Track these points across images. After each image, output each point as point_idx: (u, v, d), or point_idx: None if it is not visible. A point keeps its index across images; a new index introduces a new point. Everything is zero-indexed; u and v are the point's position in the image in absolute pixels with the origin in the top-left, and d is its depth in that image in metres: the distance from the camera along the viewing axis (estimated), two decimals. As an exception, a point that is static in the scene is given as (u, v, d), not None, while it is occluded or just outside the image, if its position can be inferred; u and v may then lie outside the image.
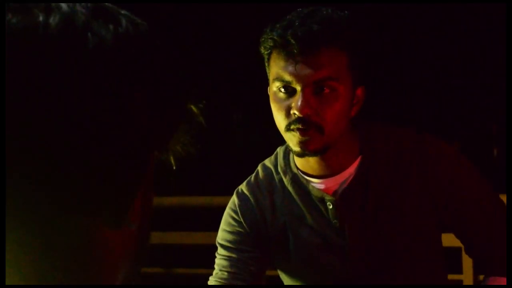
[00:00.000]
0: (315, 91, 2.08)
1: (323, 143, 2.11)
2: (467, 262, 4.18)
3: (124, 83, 0.83)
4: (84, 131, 0.80)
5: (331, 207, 2.22)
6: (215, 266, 2.34)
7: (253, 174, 2.36)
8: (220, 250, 2.34)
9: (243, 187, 2.35)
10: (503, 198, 2.38)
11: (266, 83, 2.18)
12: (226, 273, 2.29)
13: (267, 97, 2.18)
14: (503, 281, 2.33)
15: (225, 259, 2.31)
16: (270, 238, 2.30)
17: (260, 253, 2.31)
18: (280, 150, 2.33)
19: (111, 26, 0.83)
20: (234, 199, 2.35)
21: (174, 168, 0.93)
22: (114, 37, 0.83)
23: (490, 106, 12.45)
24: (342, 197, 2.22)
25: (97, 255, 0.86)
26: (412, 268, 2.28)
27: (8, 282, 0.83)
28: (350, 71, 2.12)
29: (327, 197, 2.22)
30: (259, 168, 2.36)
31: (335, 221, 2.23)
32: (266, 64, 2.16)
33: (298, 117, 2.08)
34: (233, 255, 2.30)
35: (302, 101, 2.07)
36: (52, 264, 0.84)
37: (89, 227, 0.84)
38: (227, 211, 2.36)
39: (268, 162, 2.35)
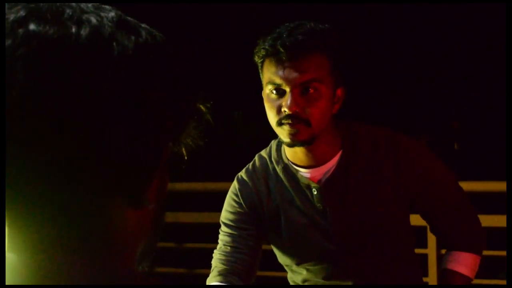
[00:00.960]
0: (301, 91, 2.09)
1: (310, 134, 2.12)
2: (431, 239, 4.18)
3: (143, 85, 0.83)
4: (110, 124, 0.81)
5: (316, 193, 2.23)
6: (219, 241, 2.34)
7: (251, 163, 2.36)
8: (223, 228, 2.34)
9: (242, 173, 2.35)
10: (463, 185, 2.38)
11: (260, 87, 2.19)
12: (228, 247, 2.29)
13: (261, 99, 2.19)
14: (462, 254, 2.34)
15: (227, 235, 2.31)
16: (265, 217, 2.31)
17: (257, 230, 2.31)
18: (273, 143, 2.33)
19: (132, 37, 0.84)
20: (235, 184, 2.35)
21: (186, 158, 0.93)
22: (135, 46, 0.84)
23: (452, 106, 12.45)
24: (325, 184, 2.22)
25: (118, 230, 0.86)
26: (385, 244, 2.28)
27: (34, 260, 0.83)
28: (331, 74, 2.13)
29: (313, 184, 2.23)
30: (256, 158, 2.36)
31: (319, 205, 2.24)
32: (260, 71, 2.17)
33: (288, 114, 2.09)
34: (234, 232, 2.30)
35: (291, 101, 2.08)
36: (77, 241, 0.84)
37: (112, 206, 0.84)
38: (229, 194, 2.36)
39: (263, 152, 2.36)
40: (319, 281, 2.33)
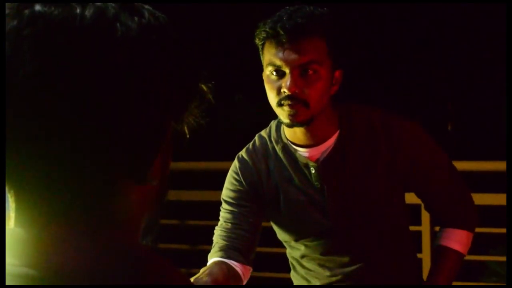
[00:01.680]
0: (301, 73, 2.09)
1: (309, 115, 2.12)
2: (425, 217, 4.19)
3: (146, 65, 0.84)
4: (114, 102, 0.81)
5: (313, 171, 2.23)
6: (220, 218, 2.34)
7: (251, 143, 2.36)
8: (224, 205, 2.34)
9: (243, 153, 2.35)
10: (456, 164, 2.38)
11: (261, 69, 2.18)
12: (229, 224, 2.29)
13: (261, 81, 2.18)
14: (455, 231, 2.34)
15: (228, 212, 2.32)
16: (265, 195, 2.31)
17: (257, 208, 2.31)
18: (273, 123, 2.33)
19: (136, 18, 0.84)
20: (235, 163, 2.35)
21: (188, 136, 0.93)
22: (139, 26, 0.84)
23: (446, 88, 12.44)
24: (323, 163, 2.22)
25: (123, 206, 0.86)
26: (380, 221, 2.28)
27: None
28: (329, 56, 2.12)
29: (311, 163, 2.23)
30: (256, 137, 2.36)
31: (317, 183, 2.24)
32: (261, 52, 2.17)
33: (288, 95, 2.09)
34: (235, 209, 2.31)
35: (290, 82, 2.08)
36: (82, 216, 0.84)
37: (116, 183, 0.85)
38: (230, 173, 2.36)
39: (263, 132, 2.35)
40: (317, 256, 2.34)
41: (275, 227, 2.39)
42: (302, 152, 2.24)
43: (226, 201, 2.33)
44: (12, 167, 0.83)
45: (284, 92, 2.09)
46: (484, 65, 11.52)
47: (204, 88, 0.92)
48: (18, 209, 0.85)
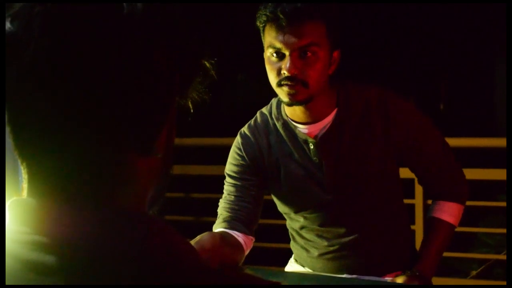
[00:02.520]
0: (300, 55, 2.09)
1: (308, 94, 2.12)
2: (418, 190, 4.19)
3: (152, 41, 0.84)
4: (121, 77, 0.81)
5: (312, 147, 2.23)
6: (224, 191, 2.35)
7: (253, 119, 2.36)
8: (228, 179, 2.35)
9: (245, 129, 2.35)
10: (448, 141, 2.38)
11: (261, 49, 2.18)
12: (232, 197, 2.30)
13: (263, 61, 2.18)
14: (447, 204, 2.35)
15: (231, 185, 2.32)
16: (266, 169, 2.31)
17: (259, 181, 2.32)
18: (274, 101, 2.33)
19: None
20: (238, 138, 2.35)
21: (192, 111, 0.93)
22: (144, 5, 0.84)
23: (439, 68, 12.40)
24: (321, 139, 2.22)
25: (130, 177, 0.86)
26: (376, 195, 2.29)
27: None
28: (328, 38, 2.11)
29: (310, 139, 2.23)
30: (258, 114, 2.36)
31: (315, 158, 2.24)
32: (262, 34, 2.16)
33: (287, 76, 2.09)
34: (238, 183, 2.31)
35: (290, 63, 2.08)
36: (90, 187, 0.84)
37: (123, 155, 0.85)
38: (233, 148, 2.37)
39: (264, 109, 2.36)
40: (315, 227, 2.34)
41: (275, 200, 2.40)
42: (302, 128, 2.24)
43: (229, 175, 2.34)
44: (24, 141, 0.83)
45: (284, 73, 2.09)
46: (476, 45, 11.47)
47: (207, 64, 0.92)
48: (30, 181, 0.85)
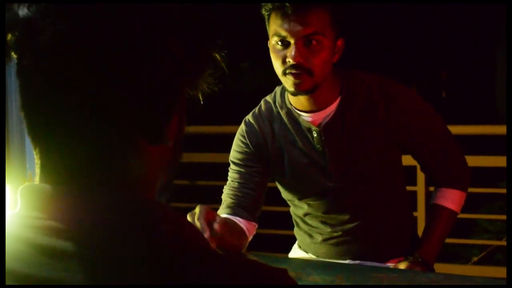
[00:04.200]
0: (305, 43, 2.08)
1: (313, 83, 2.11)
2: (420, 177, 4.20)
3: (164, 32, 0.84)
4: (133, 66, 0.81)
5: (315, 135, 2.23)
6: (228, 178, 2.35)
7: (257, 107, 2.36)
8: (232, 166, 2.35)
9: (249, 117, 2.35)
10: (450, 128, 2.37)
11: (266, 38, 2.17)
12: (236, 183, 2.30)
13: (267, 49, 2.17)
14: (449, 191, 2.34)
15: (236, 172, 2.32)
16: (270, 156, 2.31)
17: (262, 168, 2.32)
18: (278, 89, 2.33)
19: None
20: (242, 126, 2.35)
21: (202, 102, 0.93)
22: None
23: (441, 56, 12.39)
24: (324, 128, 2.22)
25: (140, 165, 0.86)
26: (378, 182, 2.29)
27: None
28: (332, 27, 2.11)
29: (313, 128, 2.22)
30: (262, 102, 2.36)
31: (319, 146, 2.24)
32: (267, 23, 2.15)
33: (292, 64, 2.08)
34: (242, 170, 2.31)
35: (295, 51, 2.07)
36: (102, 174, 0.84)
37: (134, 143, 0.85)
38: (237, 136, 2.37)
39: (268, 98, 2.35)
40: (319, 214, 2.35)
41: (279, 187, 2.40)
42: (305, 117, 2.23)
43: (233, 162, 2.34)
44: (37, 127, 0.84)
45: (289, 61, 2.09)
46: (478, 34, 11.45)
47: (218, 57, 0.92)
48: (42, 166, 0.85)
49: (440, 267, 4.11)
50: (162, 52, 0.83)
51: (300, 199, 2.36)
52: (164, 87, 0.84)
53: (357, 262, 2.34)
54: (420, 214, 4.19)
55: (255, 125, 2.32)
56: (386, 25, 11.48)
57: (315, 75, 2.10)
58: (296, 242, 2.55)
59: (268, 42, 2.16)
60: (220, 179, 2.60)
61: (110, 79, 0.80)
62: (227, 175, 2.36)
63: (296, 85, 2.11)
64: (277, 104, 2.30)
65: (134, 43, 0.81)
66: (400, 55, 11.79)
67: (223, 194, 2.32)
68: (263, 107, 2.33)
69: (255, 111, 2.35)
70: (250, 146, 2.32)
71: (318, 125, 2.23)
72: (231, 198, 2.27)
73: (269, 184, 2.36)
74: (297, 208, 2.41)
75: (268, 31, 2.16)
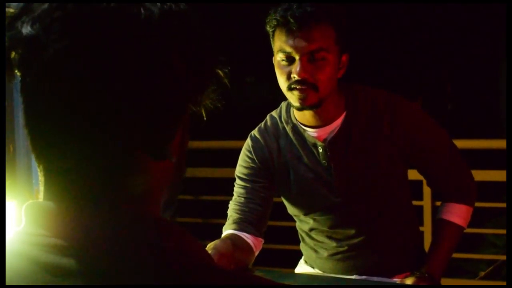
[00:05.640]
0: (309, 59, 2.08)
1: (318, 99, 2.12)
2: (426, 192, 4.18)
3: (167, 48, 0.84)
4: (137, 82, 0.82)
5: (321, 150, 2.23)
6: (234, 193, 2.35)
7: (263, 122, 2.36)
8: (238, 181, 2.35)
9: (255, 132, 2.35)
10: (455, 142, 2.37)
11: (271, 54, 2.17)
12: (242, 198, 2.30)
13: (272, 65, 2.18)
14: (456, 206, 2.34)
15: (241, 187, 2.32)
16: (276, 172, 2.31)
17: (268, 183, 2.32)
18: (283, 105, 2.33)
19: (158, 4, 0.85)
20: (248, 141, 2.35)
21: (205, 119, 0.93)
22: (160, 11, 0.85)
23: (446, 69, 12.38)
24: (330, 143, 2.22)
25: (143, 181, 0.86)
26: (384, 197, 2.28)
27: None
28: (337, 42, 2.11)
29: (319, 143, 2.22)
30: (268, 118, 2.36)
31: (324, 161, 2.23)
32: (271, 39, 2.16)
33: (297, 80, 2.09)
34: (248, 185, 2.31)
35: (300, 67, 2.07)
36: (105, 191, 0.84)
37: (137, 159, 0.85)
38: (243, 151, 2.37)
39: (274, 113, 2.35)
40: (325, 229, 2.34)
41: (285, 202, 2.40)
42: (311, 132, 2.23)
43: (239, 177, 2.34)
44: (41, 144, 0.84)
45: (294, 77, 2.09)
46: (483, 47, 11.45)
47: (221, 73, 0.92)
48: (46, 183, 0.85)
49: (447, 282, 4.10)
50: (165, 70, 0.83)
51: (305, 214, 2.35)
52: (167, 104, 0.84)
53: (363, 277, 2.33)
54: (427, 228, 4.17)
55: (261, 140, 2.32)
56: (391, 39, 11.49)
57: (320, 90, 2.10)
58: (302, 257, 2.55)
59: (273, 58, 2.17)
60: (224, 194, 2.60)
61: (113, 96, 0.81)
62: (232, 190, 2.36)
63: (301, 100, 2.11)
64: (282, 119, 2.30)
65: (137, 60, 0.81)
66: (406, 68, 11.80)
67: (229, 209, 2.32)
68: (269, 122, 2.34)
69: (261, 126, 2.35)
70: (256, 161, 2.32)
71: (324, 140, 2.23)
72: (237, 213, 2.27)
73: (275, 199, 2.36)
74: (303, 223, 2.41)
75: (273, 47, 2.16)
